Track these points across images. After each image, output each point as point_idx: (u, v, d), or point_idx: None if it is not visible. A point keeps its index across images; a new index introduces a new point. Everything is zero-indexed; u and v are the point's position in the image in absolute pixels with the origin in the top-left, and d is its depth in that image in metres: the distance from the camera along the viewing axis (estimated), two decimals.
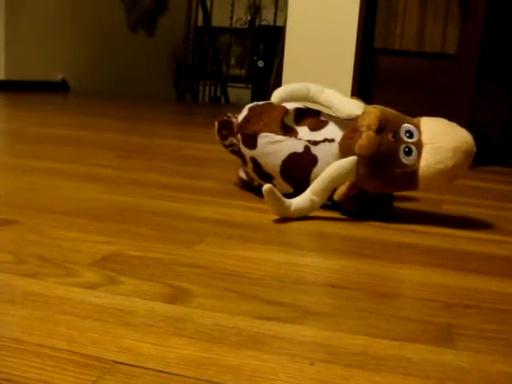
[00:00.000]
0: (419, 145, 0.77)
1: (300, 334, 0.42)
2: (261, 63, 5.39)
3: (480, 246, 0.73)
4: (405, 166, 0.77)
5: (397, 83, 1.98)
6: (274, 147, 0.86)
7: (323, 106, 0.85)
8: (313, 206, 0.80)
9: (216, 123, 0.99)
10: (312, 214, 0.81)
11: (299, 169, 0.85)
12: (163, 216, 0.74)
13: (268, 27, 5.49)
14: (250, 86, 5.18)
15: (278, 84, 2.23)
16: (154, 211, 0.77)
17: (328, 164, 0.80)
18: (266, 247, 0.64)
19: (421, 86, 1.97)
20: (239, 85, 5.26)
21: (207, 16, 5.23)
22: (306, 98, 0.86)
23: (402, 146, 0.77)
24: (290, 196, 0.80)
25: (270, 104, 0.89)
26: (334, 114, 0.85)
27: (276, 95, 0.86)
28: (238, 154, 0.95)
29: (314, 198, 0.79)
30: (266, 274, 0.55)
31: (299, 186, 0.85)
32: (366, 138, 0.77)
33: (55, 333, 0.39)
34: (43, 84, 3.91)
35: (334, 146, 0.83)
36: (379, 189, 0.82)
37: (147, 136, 1.70)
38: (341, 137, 0.83)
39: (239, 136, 0.92)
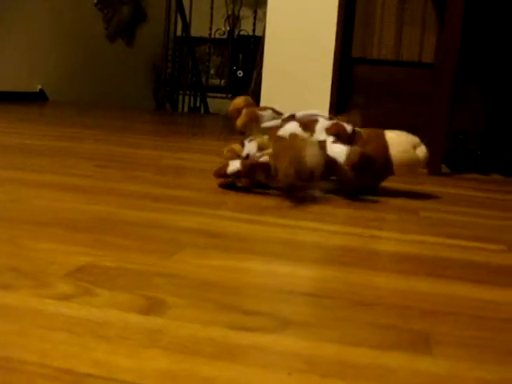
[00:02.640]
0: None
1: (278, 343, 0.42)
2: (240, 73, 5.40)
3: (457, 252, 0.73)
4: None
5: (375, 92, 1.99)
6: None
7: None
8: None
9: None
10: (290, 223, 0.81)
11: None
12: (141, 226, 0.74)
13: (247, 37, 5.51)
14: (230, 95, 5.19)
15: (257, 93, 2.24)
16: (132, 221, 0.76)
17: None
18: (245, 256, 0.64)
19: (399, 95, 1.98)
20: (219, 95, 5.26)
21: (186, 26, 5.23)
22: None
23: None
24: None
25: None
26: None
27: None
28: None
29: None
30: (243, 284, 0.54)
31: None
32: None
33: (27, 346, 0.38)
34: (21, 95, 3.87)
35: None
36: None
37: (126, 146, 1.69)
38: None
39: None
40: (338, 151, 1.04)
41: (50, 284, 0.50)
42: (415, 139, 1.10)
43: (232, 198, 0.99)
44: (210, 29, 5.22)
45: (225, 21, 5.96)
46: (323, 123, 1.11)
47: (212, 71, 5.96)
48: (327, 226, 0.83)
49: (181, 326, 0.43)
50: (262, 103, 2.12)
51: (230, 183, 1.02)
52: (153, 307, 0.46)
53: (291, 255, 0.66)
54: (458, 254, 0.72)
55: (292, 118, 1.14)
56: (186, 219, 0.80)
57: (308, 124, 1.11)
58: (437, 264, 0.67)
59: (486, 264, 0.69)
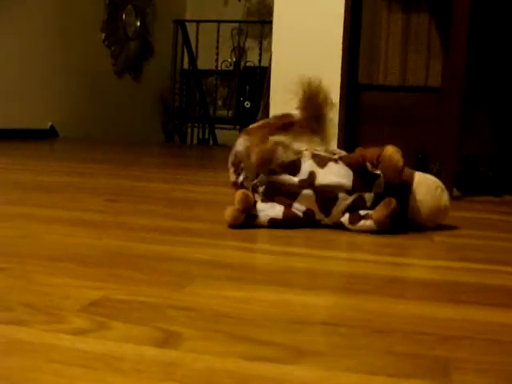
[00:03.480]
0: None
1: (293, 374, 0.41)
2: (247, 104, 5.44)
3: (472, 276, 0.72)
4: None
5: (383, 118, 2.00)
6: None
7: None
8: None
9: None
10: (302, 252, 0.81)
11: None
12: (152, 259, 0.74)
13: (253, 68, 5.56)
14: (238, 126, 5.21)
15: None
16: (143, 254, 0.76)
17: None
18: (257, 287, 0.64)
19: (407, 120, 1.98)
20: (227, 126, 5.29)
21: (193, 59, 5.29)
22: None
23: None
24: None
25: None
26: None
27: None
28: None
29: None
30: (257, 314, 0.54)
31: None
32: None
33: (41, 381, 0.38)
34: (32, 132, 3.91)
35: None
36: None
37: (136, 179, 1.69)
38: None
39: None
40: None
41: (65, 319, 0.50)
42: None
43: (241, 230, 0.98)
44: (217, 60, 5.27)
45: (231, 52, 6.03)
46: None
47: (219, 103, 6.01)
48: (340, 254, 0.82)
49: (196, 358, 0.43)
50: None
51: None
52: (168, 340, 0.46)
53: (304, 284, 0.66)
54: (473, 278, 0.71)
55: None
56: (197, 251, 0.80)
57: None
58: (452, 289, 0.66)
59: (501, 287, 0.68)
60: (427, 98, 1.96)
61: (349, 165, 0.98)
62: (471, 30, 1.71)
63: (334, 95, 2.04)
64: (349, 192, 0.98)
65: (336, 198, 0.98)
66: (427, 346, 0.47)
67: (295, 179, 0.99)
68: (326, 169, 0.99)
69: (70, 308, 0.53)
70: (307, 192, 0.98)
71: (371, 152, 0.98)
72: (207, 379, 0.39)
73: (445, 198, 1.02)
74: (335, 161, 1.00)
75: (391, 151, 0.95)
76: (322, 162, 1.00)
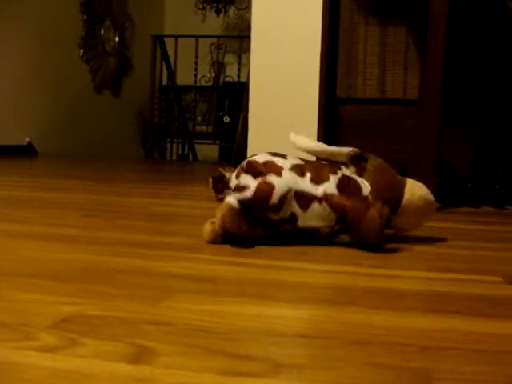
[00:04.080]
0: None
1: None
2: (227, 118, 5.44)
3: (453, 286, 0.72)
4: None
5: (362, 131, 2.00)
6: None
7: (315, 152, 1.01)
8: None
9: (210, 179, 1.00)
10: (281, 265, 0.80)
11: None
12: (128, 274, 0.72)
13: (232, 83, 5.56)
14: (218, 141, 5.21)
15: (244, 138, 2.24)
16: (119, 269, 0.74)
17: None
18: (234, 300, 0.62)
19: (386, 133, 1.99)
20: (207, 141, 5.28)
21: (171, 74, 5.28)
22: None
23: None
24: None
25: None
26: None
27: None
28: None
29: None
30: (234, 328, 0.52)
31: None
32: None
33: None
34: (9, 148, 3.87)
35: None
36: None
37: (115, 195, 1.67)
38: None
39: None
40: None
41: (34, 336, 0.48)
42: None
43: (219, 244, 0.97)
44: (195, 75, 5.27)
45: (210, 67, 6.03)
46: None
47: (199, 118, 6.01)
48: (318, 266, 0.81)
49: (170, 373, 0.41)
50: (249, 146, 2.12)
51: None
52: (141, 356, 0.45)
53: (282, 297, 0.65)
54: (454, 288, 0.71)
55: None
56: (174, 265, 0.78)
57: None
58: (432, 299, 0.65)
59: (483, 296, 0.67)
60: (406, 110, 1.97)
61: (333, 208, 0.96)
62: (448, 42, 1.72)
63: (313, 108, 2.04)
64: (331, 227, 0.97)
65: (317, 231, 0.97)
66: (408, 358, 0.46)
67: (276, 217, 0.95)
68: (309, 211, 0.95)
69: (40, 325, 0.51)
70: (288, 226, 0.97)
71: (355, 210, 0.94)
72: None
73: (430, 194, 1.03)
74: (319, 201, 0.96)
75: (374, 217, 0.92)
76: (304, 202, 0.95)
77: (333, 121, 2.03)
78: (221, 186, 0.98)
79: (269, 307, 0.60)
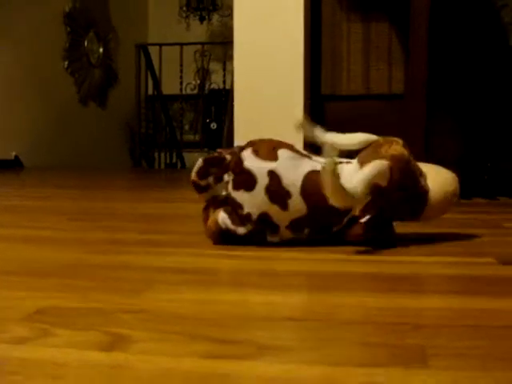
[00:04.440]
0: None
1: (256, 369, 0.37)
2: (214, 125, 5.41)
3: (447, 268, 0.69)
4: (422, 186, 0.82)
5: (348, 127, 1.98)
6: (295, 162, 0.81)
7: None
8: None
9: (201, 161, 0.84)
10: (260, 254, 0.77)
11: (318, 188, 0.76)
12: (109, 268, 0.69)
13: (218, 90, 5.54)
14: (206, 149, 5.18)
15: (230, 144, 2.21)
16: (99, 264, 0.71)
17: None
18: (218, 289, 0.59)
19: (372, 128, 1.96)
20: (195, 150, 5.25)
21: (157, 84, 5.26)
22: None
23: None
24: (302, 220, 0.79)
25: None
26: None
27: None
28: (221, 201, 0.84)
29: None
30: (217, 315, 0.50)
31: (315, 208, 0.80)
32: (399, 147, 0.81)
33: None
34: None
35: (352, 167, 0.81)
36: (398, 206, 0.83)
37: (101, 200, 1.64)
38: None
39: (251, 152, 0.82)
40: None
41: (5, 328, 0.45)
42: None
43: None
44: (181, 83, 5.24)
45: (195, 74, 6.01)
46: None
47: (186, 127, 5.98)
48: (310, 255, 0.78)
49: (147, 359, 0.39)
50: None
51: (225, 232, 0.84)
52: (115, 343, 0.42)
53: (267, 284, 0.62)
54: (448, 270, 0.68)
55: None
56: (157, 259, 0.75)
57: None
58: (427, 281, 0.63)
59: (477, 277, 0.65)
60: (391, 105, 1.95)
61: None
62: (431, 35, 1.71)
63: (298, 108, 2.02)
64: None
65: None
66: (402, 336, 0.44)
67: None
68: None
69: (12, 317, 0.48)
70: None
71: None
72: (159, 381, 0.35)
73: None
74: None
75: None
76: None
77: (318, 119, 2.01)
78: (215, 170, 0.83)
79: (253, 294, 0.57)
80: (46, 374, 0.36)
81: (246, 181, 0.80)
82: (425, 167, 0.87)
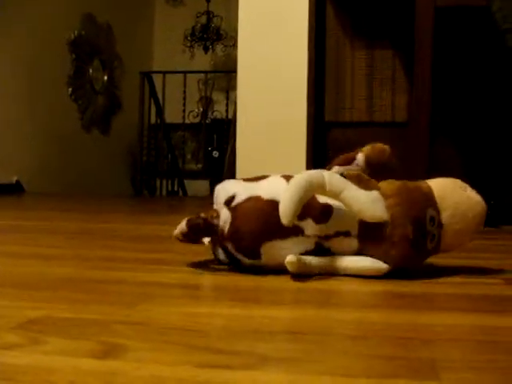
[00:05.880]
0: (440, 227, 0.72)
1: (256, 379, 0.35)
2: (216, 153, 5.41)
3: (455, 288, 0.67)
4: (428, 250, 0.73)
5: None
6: (282, 253, 0.70)
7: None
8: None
9: (184, 226, 0.74)
10: (270, 272, 0.75)
11: None
12: (104, 283, 0.67)
13: (220, 120, 5.55)
14: (208, 178, 5.18)
15: (232, 173, 2.19)
16: (96, 279, 0.69)
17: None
18: (217, 303, 0.57)
19: None
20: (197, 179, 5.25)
21: (160, 112, 5.27)
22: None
23: (429, 237, 0.71)
24: None
25: (255, 199, 0.73)
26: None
27: (288, 215, 0.66)
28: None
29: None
30: (216, 327, 0.48)
31: None
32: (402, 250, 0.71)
33: None
34: None
35: (351, 242, 0.72)
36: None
37: (100, 222, 1.63)
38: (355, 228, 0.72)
39: (232, 247, 0.73)
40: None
41: None
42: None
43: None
44: (184, 111, 5.25)
45: (198, 102, 6.02)
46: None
47: (188, 156, 5.98)
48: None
49: (141, 367, 0.36)
50: (238, 174, 2.08)
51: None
52: (110, 352, 0.39)
53: (272, 300, 0.60)
54: (457, 290, 0.66)
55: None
56: (155, 275, 0.73)
57: None
58: (435, 299, 0.61)
59: (486, 296, 0.62)
60: (395, 132, 1.94)
61: None
62: (435, 63, 1.71)
63: (301, 136, 2.00)
64: None
65: None
66: (411, 349, 0.42)
67: None
68: None
69: (3, 326, 0.46)
70: None
71: None
72: None
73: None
74: None
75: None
76: None
77: (321, 145, 2.00)
78: (204, 235, 0.77)
79: (253, 309, 0.55)
80: (35, 380, 0.34)
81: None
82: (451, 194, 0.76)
